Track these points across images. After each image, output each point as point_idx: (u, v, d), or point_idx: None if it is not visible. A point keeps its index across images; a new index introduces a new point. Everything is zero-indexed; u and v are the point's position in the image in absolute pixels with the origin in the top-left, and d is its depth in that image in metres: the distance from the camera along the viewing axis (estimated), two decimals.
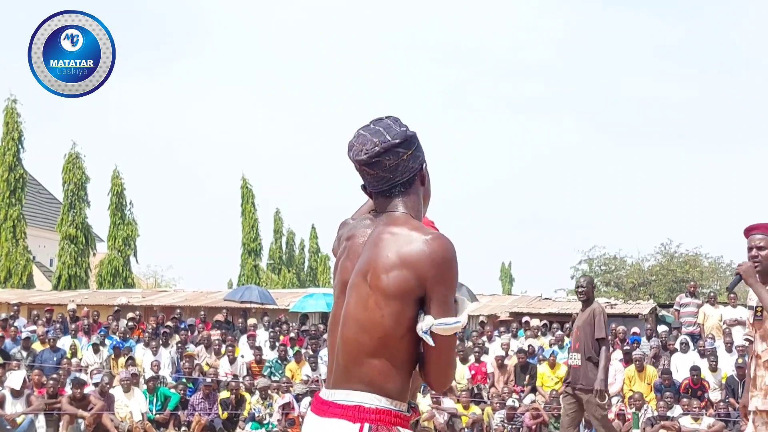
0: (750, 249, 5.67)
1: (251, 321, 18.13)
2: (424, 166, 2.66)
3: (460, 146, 63.65)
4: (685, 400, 12.48)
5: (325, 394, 2.54)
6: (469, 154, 64.35)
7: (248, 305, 19.81)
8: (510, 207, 63.65)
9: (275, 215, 43.65)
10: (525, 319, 17.47)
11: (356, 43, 66.35)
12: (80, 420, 12.60)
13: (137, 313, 18.72)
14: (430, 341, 2.42)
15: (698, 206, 55.55)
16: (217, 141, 67.25)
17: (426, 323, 2.42)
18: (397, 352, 2.46)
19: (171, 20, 62.39)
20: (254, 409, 13.38)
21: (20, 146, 30.19)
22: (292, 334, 16.65)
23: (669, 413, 12.10)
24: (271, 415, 13.21)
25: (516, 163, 62.95)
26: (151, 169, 65.67)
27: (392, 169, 2.57)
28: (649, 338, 15.50)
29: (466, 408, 13.12)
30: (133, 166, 69.64)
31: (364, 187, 2.67)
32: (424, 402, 12.81)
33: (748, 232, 5.79)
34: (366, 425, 2.41)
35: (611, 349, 14.34)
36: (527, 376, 14.14)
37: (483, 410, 13.25)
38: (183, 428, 13.54)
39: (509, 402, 12.81)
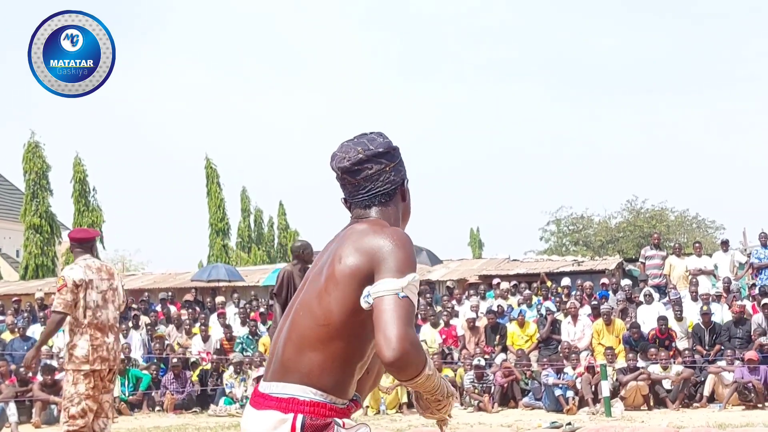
0: None
1: (220, 299, 18.10)
2: (405, 182, 2.68)
3: (423, 115, 63.64)
4: (653, 350, 12.67)
5: (263, 387, 2.50)
6: (433, 123, 64.37)
7: (217, 284, 19.73)
8: (476, 173, 63.74)
9: (242, 193, 43.36)
10: (495, 281, 17.56)
11: (315, 17, 65.93)
12: (52, 406, 12.54)
13: None
14: (366, 305, 2.34)
15: (662, 161, 55.91)
16: (178, 122, 66.69)
17: (365, 291, 2.35)
18: (340, 344, 2.40)
19: (128, 1, 61.55)
20: (227, 384, 13.40)
21: None
22: (261, 309, 16.67)
23: (638, 364, 12.27)
24: (246, 389, 13.23)
25: (480, 129, 63.05)
26: (113, 154, 65.07)
27: (374, 178, 2.58)
28: (614, 292, 15.65)
29: (438, 371, 13.20)
30: (94, 152, 68.84)
31: (344, 200, 2.66)
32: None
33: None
34: (299, 416, 2.37)
35: (580, 304, 14.54)
36: (497, 336, 14.25)
37: (455, 372, 13.36)
38: (157, 408, 13.56)
39: (475, 362, 12.91)
